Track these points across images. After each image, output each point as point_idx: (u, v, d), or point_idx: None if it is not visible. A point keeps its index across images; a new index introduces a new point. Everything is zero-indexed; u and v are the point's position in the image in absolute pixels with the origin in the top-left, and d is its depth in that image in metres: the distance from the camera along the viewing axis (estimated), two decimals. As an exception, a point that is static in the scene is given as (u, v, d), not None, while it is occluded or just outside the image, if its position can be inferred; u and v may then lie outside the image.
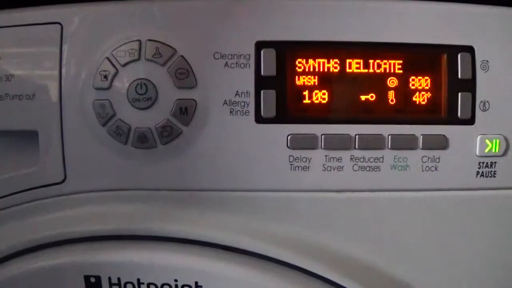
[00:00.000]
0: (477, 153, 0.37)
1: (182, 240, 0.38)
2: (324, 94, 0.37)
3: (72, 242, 0.38)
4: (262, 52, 0.36)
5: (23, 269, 0.38)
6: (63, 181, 0.38)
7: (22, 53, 0.37)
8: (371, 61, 0.37)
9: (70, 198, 0.38)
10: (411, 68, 0.37)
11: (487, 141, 0.37)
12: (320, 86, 0.37)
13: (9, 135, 0.39)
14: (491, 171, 0.38)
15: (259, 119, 0.36)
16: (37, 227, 0.38)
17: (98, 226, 0.38)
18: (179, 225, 0.38)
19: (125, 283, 0.38)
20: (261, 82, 0.36)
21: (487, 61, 0.37)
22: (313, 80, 0.37)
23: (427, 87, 0.37)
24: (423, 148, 0.37)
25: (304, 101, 0.37)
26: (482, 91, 0.37)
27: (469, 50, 0.37)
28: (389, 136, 0.37)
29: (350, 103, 0.37)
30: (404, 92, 0.37)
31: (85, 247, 0.38)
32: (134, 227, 0.38)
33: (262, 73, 0.36)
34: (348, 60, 0.37)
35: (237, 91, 0.36)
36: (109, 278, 0.37)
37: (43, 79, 0.37)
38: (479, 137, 0.37)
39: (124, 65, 0.35)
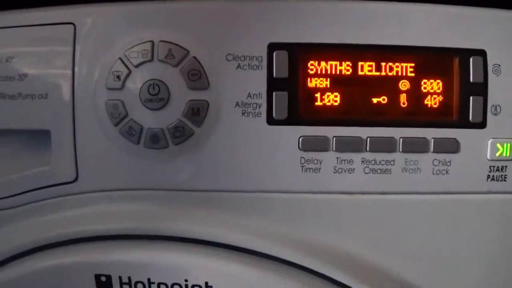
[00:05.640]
0: (488, 156, 0.37)
1: (193, 240, 0.38)
2: (336, 96, 0.37)
3: (83, 241, 0.38)
4: (274, 54, 0.36)
5: (34, 267, 0.38)
6: (75, 180, 0.38)
7: (35, 52, 0.37)
8: (383, 63, 0.37)
9: (81, 197, 0.38)
10: (423, 71, 0.37)
11: (498, 145, 0.37)
12: (332, 89, 0.37)
13: (22, 134, 0.39)
14: (502, 175, 0.38)
15: (271, 121, 0.37)
16: (49, 226, 0.39)
17: (109, 225, 0.38)
18: (190, 225, 0.38)
19: (136, 283, 0.38)
20: (273, 84, 0.36)
21: (499, 65, 0.37)
22: (325, 82, 0.37)
23: (439, 91, 0.37)
24: (434, 152, 0.37)
25: (316, 103, 0.37)
26: (493, 95, 0.37)
27: (481, 53, 0.37)
28: (401, 139, 0.37)
29: (362, 105, 0.37)
30: (416, 95, 0.37)
31: (96, 246, 0.38)
32: (145, 226, 0.38)
33: (274, 75, 0.36)
34: (360, 63, 0.37)
35: (249, 93, 0.36)
36: (120, 278, 0.38)
37: (56, 79, 0.37)
38: (490, 141, 0.37)
39: (137, 65, 0.36)
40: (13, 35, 0.38)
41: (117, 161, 0.38)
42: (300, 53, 0.36)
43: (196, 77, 0.36)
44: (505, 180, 0.38)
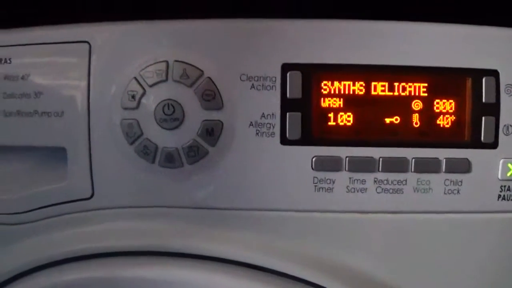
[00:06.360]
0: (499, 176, 0.38)
1: (207, 257, 0.38)
2: (349, 116, 0.37)
3: (98, 257, 0.39)
4: (288, 74, 0.36)
5: (49, 283, 0.39)
6: (91, 196, 0.39)
7: (50, 71, 0.38)
8: (396, 84, 0.37)
9: (97, 214, 0.39)
10: (436, 91, 0.37)
11: (509, 165, 0.37)
12: (345, 109, 0.37)
13: (38, 151, 0.39)
14: (513, 194, 0.38)
15: (284, 141, 0.37)
16: (64, 241, 0.39)
17: (124, 242, 0.39)
18: (204, 242, 0.39)
19: (151, 298, 0.38)
20: (286, 104, 0.37)
21: (512, 85, 0.37)
22: (338, 103, 0.37)
23: (451, 111, 0.37)
24: (446, 172, 0.37)
25: (329, 123, 0.37)
26: (505, 115, 0.37)
27: (494, 74, 0.37)
28: (413, 160, 0.37)
29: (374, 125, 0.37)
30: (429, 115, 0.37)
31: (112, 262, 0.39)
32: (159, 243, 0.39)
33: (288, 95, 0.37)
34: (373, 83, 0.37)
35: (263, 113, 0.37)
36: (135, 294, 0.38)
37: (71, 97, 0.37)
38: (501, 161, 0.37)
39: (152, 85, 0.36)
40: (28, 53, 0.38)
41: (132, 179, 0.38)
42: (313, 74, 0.37)
43: (211, 97, 0.36)
44: (515, 200, 0.38)
